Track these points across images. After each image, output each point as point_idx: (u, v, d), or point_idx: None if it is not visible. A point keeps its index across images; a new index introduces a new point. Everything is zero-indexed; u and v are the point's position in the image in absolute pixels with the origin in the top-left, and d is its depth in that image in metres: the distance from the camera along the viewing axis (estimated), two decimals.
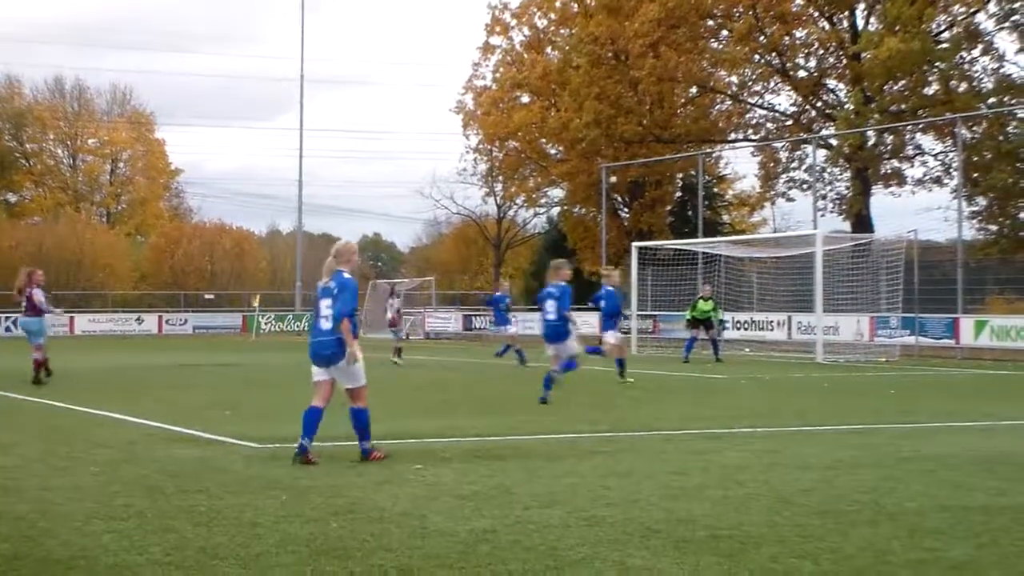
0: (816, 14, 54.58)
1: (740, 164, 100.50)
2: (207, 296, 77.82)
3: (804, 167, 55.06)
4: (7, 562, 7.38)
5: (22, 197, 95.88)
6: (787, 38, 55.01)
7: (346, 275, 12.37)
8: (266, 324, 66.92)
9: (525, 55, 65.58)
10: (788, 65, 55.35)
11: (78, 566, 7.26)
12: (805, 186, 54.58)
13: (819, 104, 55.74)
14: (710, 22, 57.30)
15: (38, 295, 24.33)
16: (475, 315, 62.41)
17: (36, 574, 7.06)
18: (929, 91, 50.20)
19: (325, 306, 12.14)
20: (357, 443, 12.09)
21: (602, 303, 26.01)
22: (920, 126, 49.91)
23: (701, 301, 35.72)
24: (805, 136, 52.76)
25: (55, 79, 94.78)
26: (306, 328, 67.33)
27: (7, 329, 62.74)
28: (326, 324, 12.08)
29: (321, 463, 11.69)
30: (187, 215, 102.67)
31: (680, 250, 45.44)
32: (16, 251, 77.35)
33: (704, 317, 35.44)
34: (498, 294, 35.67)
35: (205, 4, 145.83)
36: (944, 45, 48.99)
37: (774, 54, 55.14)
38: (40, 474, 11.15)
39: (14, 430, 15.22)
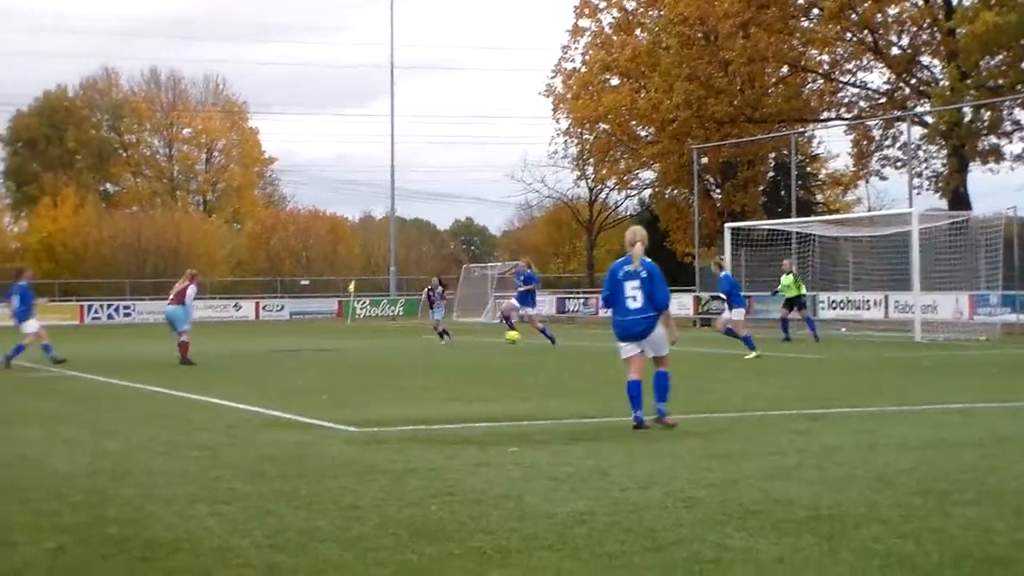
0: None
1: (833, 143, 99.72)
2: (303, 282, 78.62)
3: (898, 145, 54.33)
4: (115, 544, 7.53)
5: (120, 187, 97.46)
6: (879, 15, 54.20)
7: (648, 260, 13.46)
8: (361, 309, 67.43)
9: (614, 37, 65.21)
10: (881, 42, 54.57)
11: (183, 548, 7.38)
12: (900, 164, 53.85)
13: (913, 81, 54.92)
14: (800, 1, 56.67)
15: (191, 290, 26.41)
16: (568, 298, 62.41)
17: (143, 556, 7.18)
18: None
19: (632, 287, 13.24)
20: (631, 413, 13.20)
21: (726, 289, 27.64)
22: (1018, 101, 48.99)
23: (783, 276, 35.71)
24: (899, 114, 52.04)
25: (150, 70, 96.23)
26: (401, 313, 67.87)
27: (109, 316, 63.87)
28: (634, 304, 13.23)
29: (419, 448, 11.79)
30: (281, 202, 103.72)
31: (773, 230, 45.09)
32: (115, 241, 78.72)
33: (791, 295, 35.30)
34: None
35: None
36: None
37: (866, 32, 54.40)
38: (144, 459, 11.35)
39: (118, 416, 15.50)
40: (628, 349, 13.41)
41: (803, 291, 35.98)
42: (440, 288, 37.30)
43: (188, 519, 8.32)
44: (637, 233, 13.69)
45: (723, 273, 28.19)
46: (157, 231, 79.83)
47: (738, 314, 27.57)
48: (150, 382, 20.94)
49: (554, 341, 31.50)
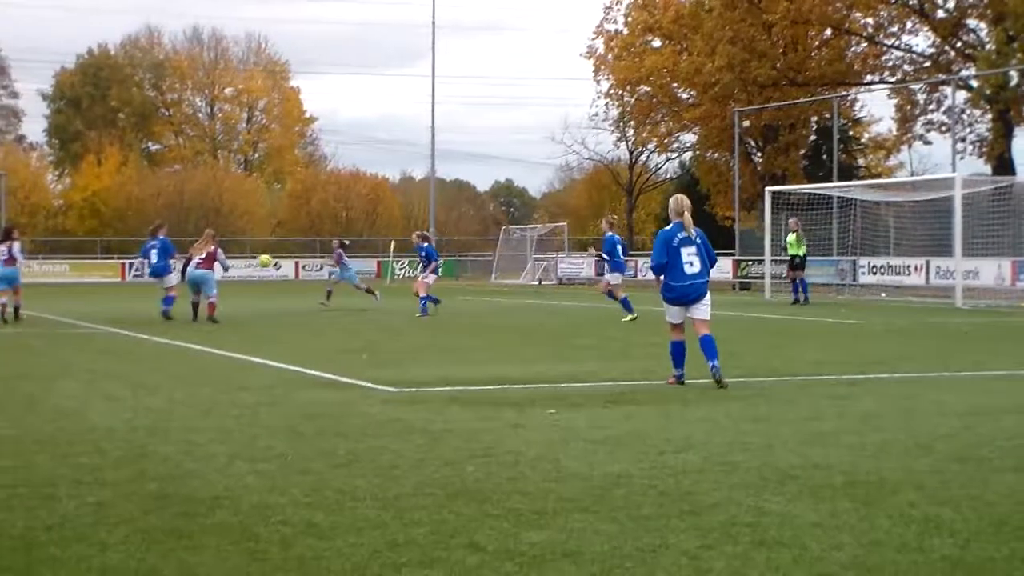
0: None
1: (876, 107, 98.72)
2: (344, 242, 78.72)
3: (943, 109, 53.87)
4: (155, 500, 7.59)
5: (162, 146, 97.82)
6: None
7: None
8: (400, 270, 67.56)
9: None
10: (926, 5, 54.02)
11: (222, 505, 7.44)
12: (944, 129, 53.41)
13: (959, 44, 54.36)
14: None
15: (220, 253, 27.39)
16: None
17: (183, 512, 7.25)
18: None
19: (689, 253, 13.70)
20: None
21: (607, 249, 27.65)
22: None
23: (788, 235, 36.12)
24: (944, 77, 51.56)
25: (193, 29, 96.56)
26: (440, 273, 67.96)
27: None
28: (692, 269, 13.71)
29: (457, 408, 11.84)
30: (322, 162, 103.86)
31: (814, 194, 44.83)
32: (158, 199, 79.07)
33: (792, 252, 36.23)
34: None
35: None
36: None
37: None
38: (185, 416, 11.43)
39: (160, 373, 15.62)
40: (678, 313, 13.90)
41: (803, 251, 36.54)
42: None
43: (227, 476, 8.38)
44: (684, 201, 14.07)
45: (608, 233, 28.13)
46: (199, 190, 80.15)
47: (615, 278, 27.55)
48: (191, 340, 21.07)
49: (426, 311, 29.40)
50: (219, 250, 27.35)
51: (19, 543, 6.57)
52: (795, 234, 36.59)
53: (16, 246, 26.56)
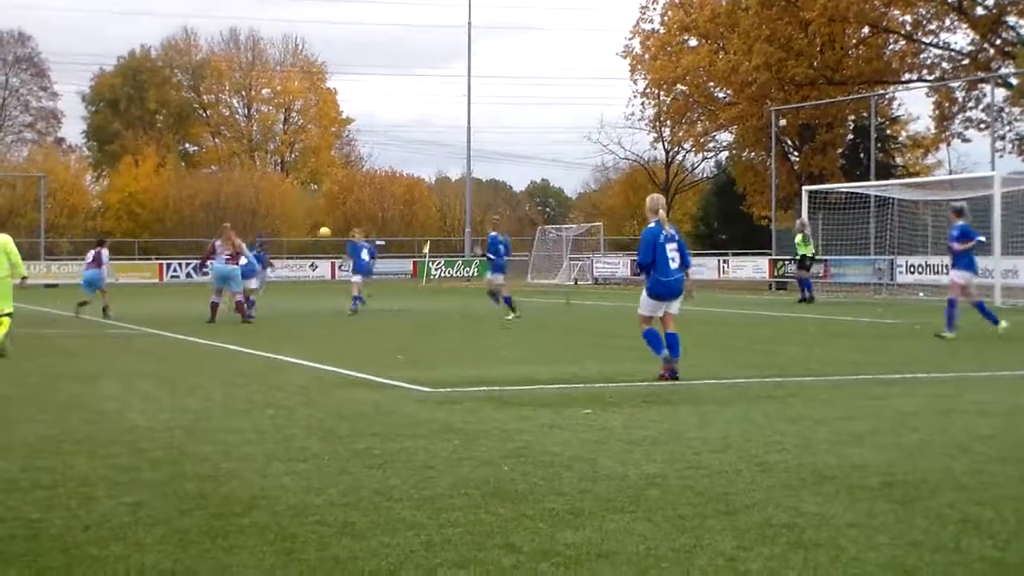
0: None
1: (914, 105, 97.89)
2: (378, 242, 78.88)
3: (981, 107, 53.53)
4: (193, 500, 7.63)
5: (200, 147, 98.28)
6: None
7: None
8: (436, 270, 67.63)
9: None
10: (965, 2, 53.69)
11: (259, 506, 7.47)
12: (983, 126, 53.08)
13: (998, 42, 54.01)
14: None
15: (243, 246, 27.89)
16: None
17: (220, 512, 7.28)
18: None
19: (671, 250, 14.32)
20: (665, 364, 14.19)
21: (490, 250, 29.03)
22: None
23: (797, 235, 37.34)
24: (983, 75, 51.23)
25: (230, 30, 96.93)
26: (476, 274, 68.07)
27: (188, 276, 64.53)
28: (674, 264, 14.28)
29: (492, 409, 11.84)
30: (358, 163, 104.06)
31: (852, 194, 44.64)
32: (196, 200, 79.45)
33: (802, 251, 37.08)
34: None
35: None
36: None
37: None
38: (222, 416, 11.48)
39: (197, 373, 15.68)
40: (660, 307, 14.46)
41: (811, 251, 37.49)
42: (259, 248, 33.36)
43: (264, 477, 8.42)
44: (660, 200, 14.83)
45: (492, 233, 29.74)
46: (235, 191, 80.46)
47: (497, 277, 28.66)
48: (228, 340, 21.16)
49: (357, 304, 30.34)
50: (241, 243, 27.71)
51: (58, 543, 6.61)
52: (802, 234, 37.31)
53: (105, 253, 28.81)
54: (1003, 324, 21.25)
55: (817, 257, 40.38)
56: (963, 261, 22.27)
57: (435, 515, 7.17)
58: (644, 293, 14.53)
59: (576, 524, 6.93)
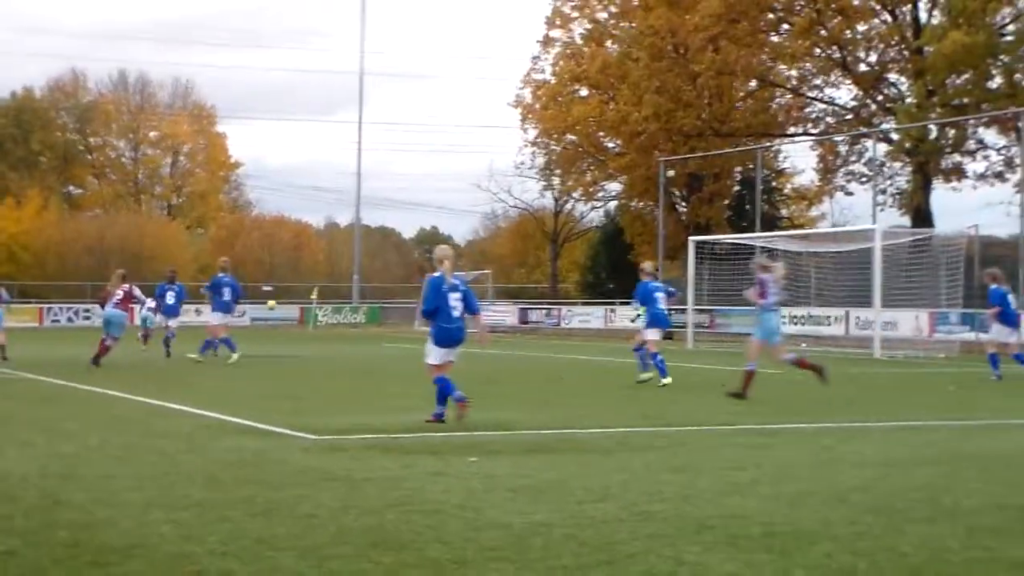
0: (878, 7, 54.02)
1: (799, 158, 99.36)
2: (265, 288, 78.25)
3: (864, 161, 54.64)
4: (66, 549, 7.47)
5: (84, 190, 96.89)
6: (848, 32, 54.55)
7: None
8: (323, 316, 67.23)
9: (585, 48, 65.38)
10: (849, 59, 54.86)
11: (136, 555, 7.34)
12: (864, 180, 54.16)
13: (880, 98, 55.22)
14: (770, 16, 56.93)
15: (136, 290, 28.20)
16: (531, 309, 62.39)
17: (95, 562, 7.13)
18: (992, 85, 49.55)
19: (455, 299, 14.91)
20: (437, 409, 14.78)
21: None
22: (983, 120, 49.33)
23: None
24: (865, 130, 52.32)
25: (119, 72, 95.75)
26: (363, 320, 67.78)
27: (69, 319, 63.44)
28: (457, 313, 14.90)
29: (378, 456, 11.78)
30: (246, 208, 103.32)
31: (738, 244, 45.26)
32: (77, 243, 78.20)
33: None
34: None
35: (273, 2, 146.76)
36: (1009, 38, 48.43)
37: (835, 48, 54.69)
38: (100, 463, 11.27)
39: (75, 419, 15.39)
40: (446, 355, 15.11)
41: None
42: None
43: (142, 525, 8.27)
44: (446, 251, 15.53)
45: (218, 274, 30.84)
46: (120, 234, 79.31)
47: (216, 317, 29.24)
48: (109, 386, 20.80)
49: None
50: (133, 287, 27.70)
51: None
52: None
53: (137, 290, 28.38)
54: None
55: (701, 308, 40.98)
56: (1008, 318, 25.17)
57: (317, 564, 7.10)
58: (430, 342, 15.14)
59: (460, 573, 6.91)
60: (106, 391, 19.96)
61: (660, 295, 22.74)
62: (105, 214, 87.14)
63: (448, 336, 14.96)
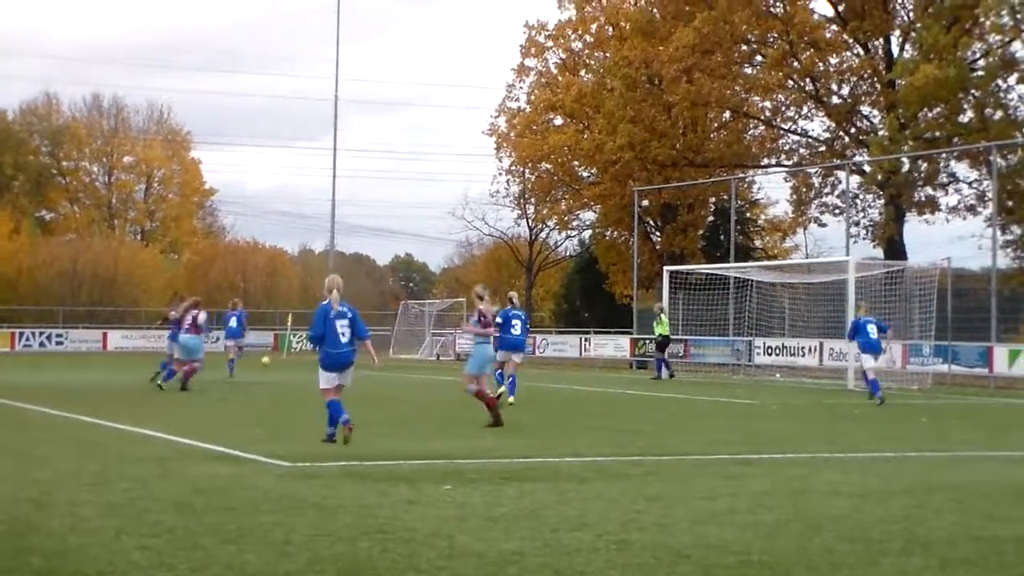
0: (851, 41, 54.40)
1: (773, 189, 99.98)
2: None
3: (837, 193, 54.90)
4: None
5: (57, 214, 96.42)
6: (821, 64, 54.91)
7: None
8: (297, 343, 67.03)
9: (560, 77, 65.64)
10: (822, 91, 55.20)
11: None
12: (838, 211, 54.41)
13: (852, 130, 55.53)
14: (744, 48, 57.23)
15: (203, 316, 28.75)
16: None
17: None
18: (964, 119, 49.91)
19: (342, 325, 15.75)
20: (328, 429, 15.61)
21: None
22: (954, 153, 49.65)
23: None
24: (838, 162, 52.58)
25: (93, 96, 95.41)
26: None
27: (41, 344, 63.05)
28: (344, 339, 15.74)
29: (351, 484, 11.73)
30: (221, 233, 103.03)
31: (712, 274, 45.39)
32: (50, 268, 77.84)
33: (663, 332, 39.81)
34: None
35: (250, 27, 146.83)
36: (979, 73, 48.77)
37: (808, 80, 55.03)
38: (72, 489, 11.20)
39: (49, 444, 15.31)
40: (334, 378, 15.83)
41: (665, 331, 39.86)
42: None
43: (114, 552, 8.21)
44: (336, 281, 16.27)
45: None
46: (93, 259, 78.97)
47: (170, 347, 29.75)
48: (82, 412, 20.68)
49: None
50: (200, 314, 28.55)
51: None
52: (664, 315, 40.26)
53: (202, 316, 28.75)
54: None
55: (675, 337, 41.19)
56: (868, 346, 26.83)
57: None
58: (319, 367, 15.86)
59: None
60: (80, 417, 19.85)
61: (516, 322, 24.95)
62: (78, 238, 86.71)
63: (335, 360, 15.75)
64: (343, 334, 15.75)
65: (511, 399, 23.56)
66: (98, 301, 73.31)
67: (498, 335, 23.86)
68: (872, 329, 28.94)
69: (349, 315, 15.90)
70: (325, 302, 15.95)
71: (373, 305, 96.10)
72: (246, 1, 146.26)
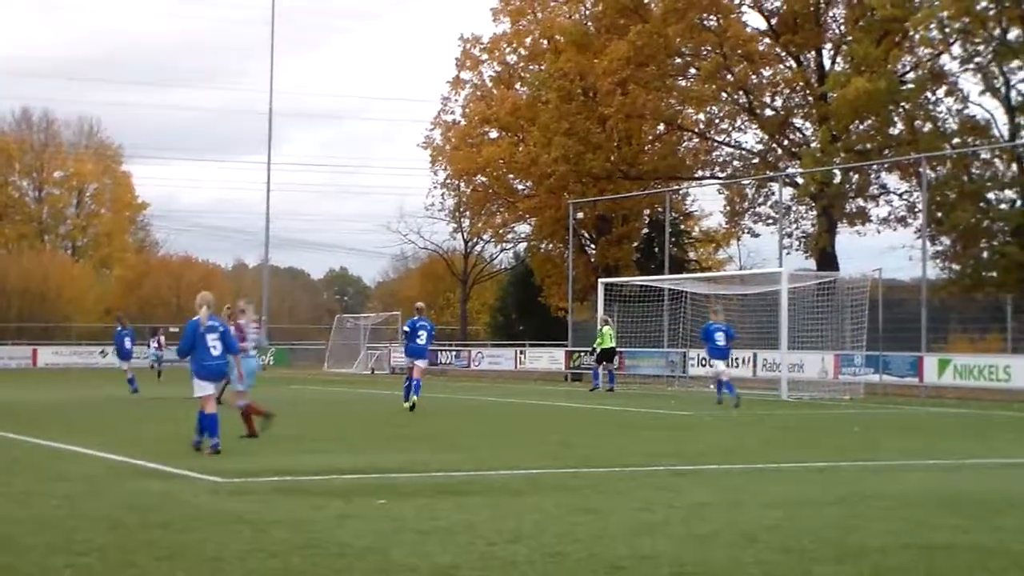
0: (783, 54, 54.89)
1: (707, 201, 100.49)
2: (172, 329, 77.41)
3: (770, 204, 55.31)
4: None
5: None
6: (754, 77, 55.33)
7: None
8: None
9: (495, 90, 65.70)
10: (755, 104, 55.62)
11: None
12: (771, 221, 54.78)
13: (785, 143, 55.98)
14: (678, 60, 57.56)
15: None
16: (441, 350, 62.24)
17: None
18: (894, 131, 50.44)
19: (213, 339, 16.38)
20: (209, 440, 16.10)
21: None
22: (885, 165, 50.15)
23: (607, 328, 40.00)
24: (771, 174, 52.98)
25: (22, 110, 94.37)
26: (271, 362, 67.25)
27: None
28: (216, 352, 16.38)
29: (285, 499, 11.65)
30: (153, 248, 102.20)
31: (646, 286, 45.54)
32: None
33: (606, 346, 39.69)
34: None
35: (185, 41, 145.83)
36: (909, 86, 49.36)
37: (741, 92, 55.43)
38: (0, 507, 11.04)
39: None
40: (208, 388, 16.48)
41: (611, 343, 39.87)
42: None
43: (44, 570, 8.11)
44: (206, 297, 16.81)
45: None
46: (23, 274, 78.10)
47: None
48: (10, 429, 20.42)
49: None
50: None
51: None
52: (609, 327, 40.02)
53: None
54: None
55: (601, 348, 41.26)
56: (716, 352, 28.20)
57: None
58: (193, 377, 16.43)
59: None
60: (7, 434, 19.58)
61: (423, 332, 26.27)
62: (8, 254, 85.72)
63: (208, 371, 16.41)
64: (214, 347, 16.37)
65: (414, 398, 25.77)
66: (28, 317, 72.47)
67: (405, 343, 25.83)
68: (720, 336, 30.45)
69: (220, 329, 16.60)
70: (195, 317, 16.47)
71: (308, 319, 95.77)
72: (182, 14, 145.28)
